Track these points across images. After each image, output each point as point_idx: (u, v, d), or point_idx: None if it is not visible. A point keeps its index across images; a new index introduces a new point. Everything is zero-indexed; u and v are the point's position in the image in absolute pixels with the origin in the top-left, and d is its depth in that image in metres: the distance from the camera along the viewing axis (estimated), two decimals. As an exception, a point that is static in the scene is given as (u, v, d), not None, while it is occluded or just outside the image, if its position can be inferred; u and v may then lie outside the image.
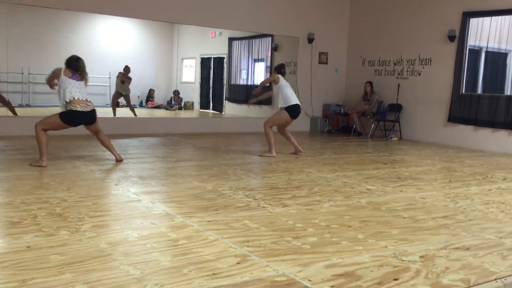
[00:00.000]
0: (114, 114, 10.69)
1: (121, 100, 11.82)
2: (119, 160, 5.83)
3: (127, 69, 11.27)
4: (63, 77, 5.33)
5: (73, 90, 5.31)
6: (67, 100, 5.29)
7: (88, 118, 5.49)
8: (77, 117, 5.39)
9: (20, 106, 10.74)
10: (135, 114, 10.95)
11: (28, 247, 2.78)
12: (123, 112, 11.17)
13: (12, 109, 8.12)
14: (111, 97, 11.45)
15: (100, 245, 2.85)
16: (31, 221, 3.29)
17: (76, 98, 5.31)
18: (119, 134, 8.74)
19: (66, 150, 6.55)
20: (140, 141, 8.13)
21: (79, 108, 5.33)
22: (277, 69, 7.12)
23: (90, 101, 5.48)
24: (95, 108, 5.59)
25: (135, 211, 3.70)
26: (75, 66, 5.45)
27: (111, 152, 5.88)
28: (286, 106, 6.84)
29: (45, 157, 5.34)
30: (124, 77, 11.24)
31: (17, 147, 6.75)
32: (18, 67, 10.67)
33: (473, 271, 2.71)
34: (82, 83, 5.48)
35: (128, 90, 11.34)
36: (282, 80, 6.91)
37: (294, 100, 6.89)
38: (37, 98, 11.05)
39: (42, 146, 5.32)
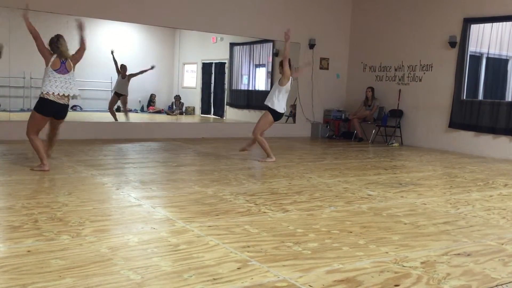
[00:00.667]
0: (115, 119, 10.67)
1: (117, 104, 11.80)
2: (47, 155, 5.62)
3: (124, 67, 11.18)
4: (49, 69, 5.28)
5: (54, 84, 5.26)
6: (43, 92, 5.28)
7: (57, 110, 5.36)
8: (46, 105, 5.29)
9: (22, 110, 10.74)
10: (127, 118, 10.79)
11: (28, 251, 2.78)
12: (128, 117, 11.14)
13: None
14: (109, 102, 11.33)
15: (101, 250, 2.85)
16: (32, 225, 3.29)
17: (51, 92, 5.26)
18: (120, 138, 8.75)
19: (67, 155, 6.56)
20: (141, 145, 8.14)
21: (50, 98, 5.27)
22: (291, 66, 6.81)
23: (67, 97, 5.38)
24: (68, 105, 5.48)
25: (136, 215, 3.70)
26: (55, 49, 5.33)
27: (48, 150, 5.70)
28: (273, 109, 6.70)
29: (45, 160, 5.35)
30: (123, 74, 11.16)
31: (18, 152, 6.75)
32: (20, 72, 10.68)
33: (474, 278, 2.70)
34: (68, 75, 5.36)
35: (126, 91, 11.30)
36: (289, 84, 6.77)
37: (283, 109, 6.81)
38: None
39: (39, 152, 5.34)
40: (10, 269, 2.51)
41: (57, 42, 5.37)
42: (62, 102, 5.35)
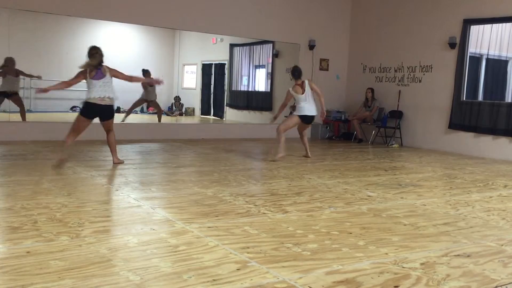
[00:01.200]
0: (124, 118, 10.64)
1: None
2: (116, 163, 6.10)
3: (147, 72, 11.15)
4: (88, 79, 5.68)
5: (94, 90, 5.66)
6: (86, 98, 5.72)
7: (101, 111, 5.76)
8: (90, 108, 5.70)
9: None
10: (159, 120, 11.24)
11: (28, 252, 2.77)
12: (128, 118, 11.14)
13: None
14: (133, 103, 11.42)
15: (100, 251, 2.85)
16: (31, 226, 3.29)
17: (92, 97, 5.67)
18: (120, 139, 8.73)
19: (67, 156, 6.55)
20: (141, 146, 8.14)
21: (91, 101, 5.67)
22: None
23: (109, 98, 5.74)
24: (112, 105, 5.86)
25: (136, 216, 3.69)
26: (95, 60, 5.70)
27: (111, 154, 6.13)
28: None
29: (62, 153, 5.63)
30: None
31: (18, 153, 6.75)
32: (19, 72, 10.67)
33: (474, 279, 2.70)
34: (105, 79, 5.70)
35: (155, 96, 11.48)
36: (305, 91, 7.30)
37: (312, 111, 7.33)
38: (39, 104, 11.08)
39: (64, 146, 5.68)
40: (10, 270, 2.51)
41: (95, 55, 5.74)
42: (103, 104, 5.72)
